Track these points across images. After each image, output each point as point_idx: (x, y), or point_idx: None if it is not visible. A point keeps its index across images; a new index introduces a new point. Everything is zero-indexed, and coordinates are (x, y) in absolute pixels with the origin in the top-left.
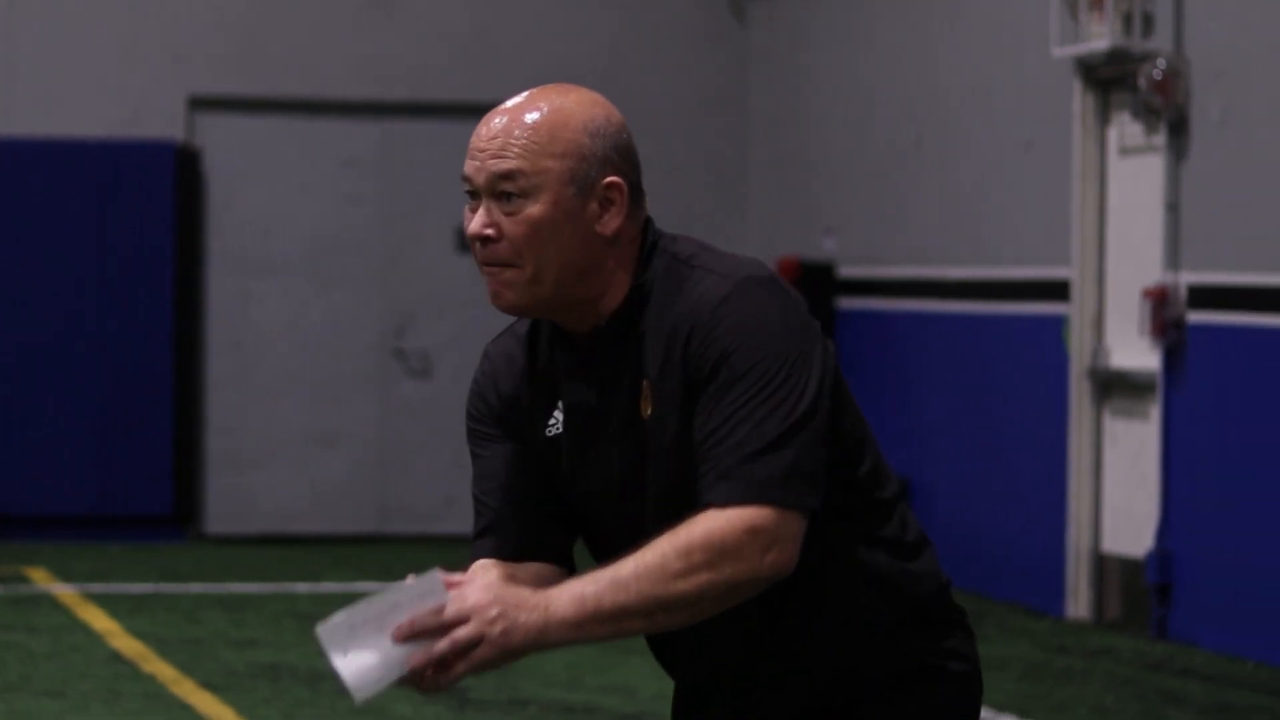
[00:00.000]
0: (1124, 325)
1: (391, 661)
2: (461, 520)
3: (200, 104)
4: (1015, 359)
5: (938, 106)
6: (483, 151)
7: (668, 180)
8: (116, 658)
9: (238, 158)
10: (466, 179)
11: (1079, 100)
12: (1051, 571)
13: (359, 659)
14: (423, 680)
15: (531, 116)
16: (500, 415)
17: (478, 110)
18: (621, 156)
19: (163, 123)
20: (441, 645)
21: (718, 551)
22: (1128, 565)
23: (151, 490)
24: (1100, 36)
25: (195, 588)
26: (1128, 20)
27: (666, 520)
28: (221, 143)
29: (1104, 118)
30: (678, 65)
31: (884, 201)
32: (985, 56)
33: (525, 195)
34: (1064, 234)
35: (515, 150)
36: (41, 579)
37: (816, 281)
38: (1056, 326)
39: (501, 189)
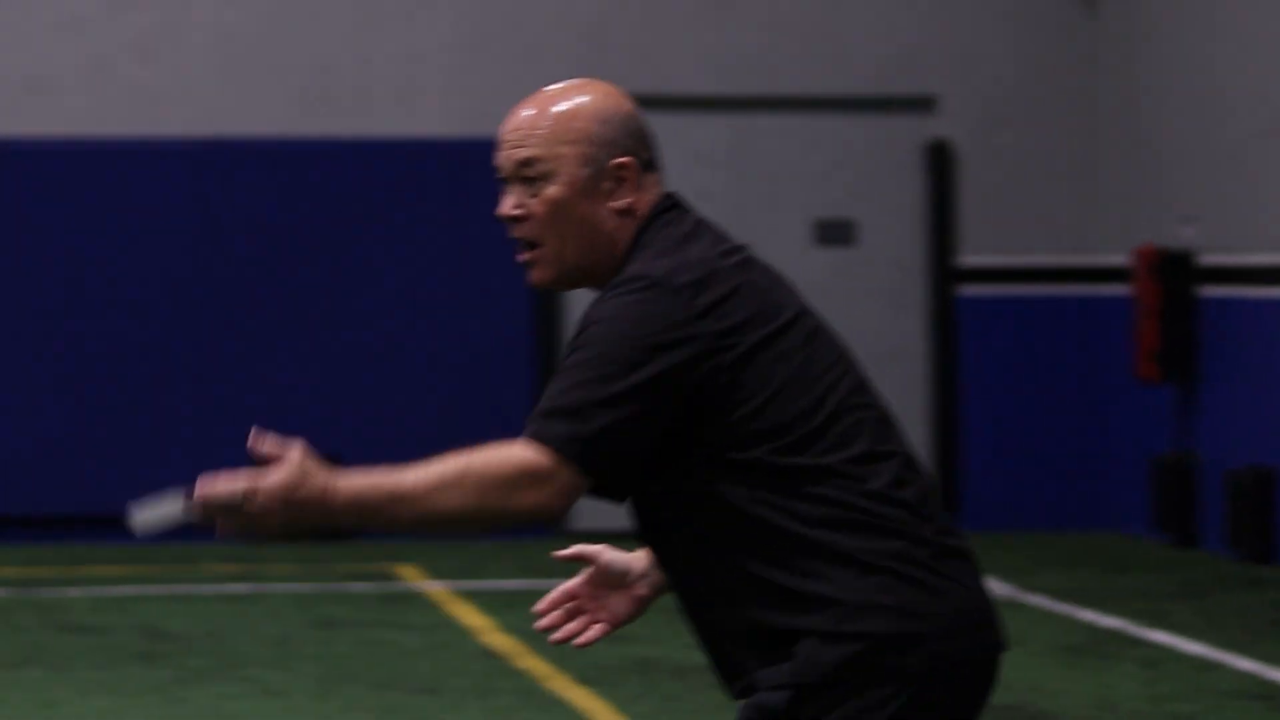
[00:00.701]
0: None
1: (174, 503)
2: None
3: None
4: None
5: None
6: (507, 142)
7: (1020, 171)
8: (488, 654)
9: None
10: (498, 168)
11: None
12: None
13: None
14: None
15: (552, 108)
16: None
17: (827, 104)
18: (633, 139)
19: None
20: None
21: (491, 476)
22: None
23: None
24: None
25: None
26: None
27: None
28: None
29: None
30: (1028, 55)
31: (1240, 188)
32: None
33: (544, 178)
34: None
35: (534, 139)
36: (412, 576)
37: (1176, 270)
38: None
39: (523, 174)
